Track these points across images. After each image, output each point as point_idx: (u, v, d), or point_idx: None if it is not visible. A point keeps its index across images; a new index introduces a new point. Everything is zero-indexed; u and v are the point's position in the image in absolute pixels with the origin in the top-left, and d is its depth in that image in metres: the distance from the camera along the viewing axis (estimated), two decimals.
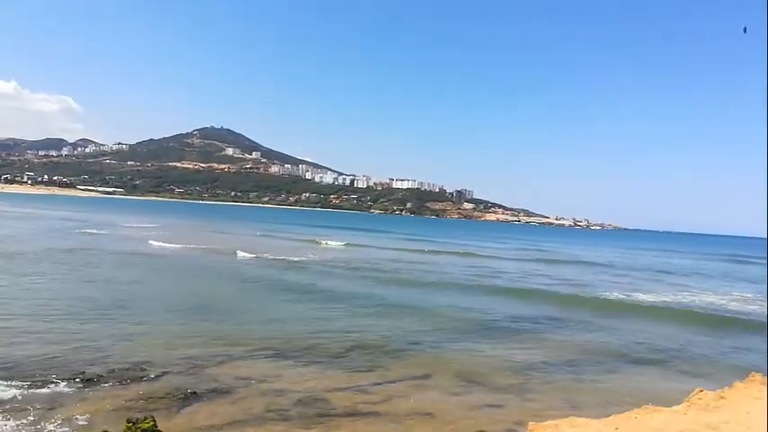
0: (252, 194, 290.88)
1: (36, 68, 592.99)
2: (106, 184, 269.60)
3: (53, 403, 8.68)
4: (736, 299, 29.52)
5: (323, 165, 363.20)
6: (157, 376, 10.31)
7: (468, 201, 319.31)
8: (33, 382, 9.48)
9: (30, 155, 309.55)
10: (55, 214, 69.87)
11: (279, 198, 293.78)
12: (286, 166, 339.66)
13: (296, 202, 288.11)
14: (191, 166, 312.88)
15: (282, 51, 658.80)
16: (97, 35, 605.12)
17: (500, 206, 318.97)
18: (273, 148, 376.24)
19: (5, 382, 9.32)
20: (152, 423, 7.58)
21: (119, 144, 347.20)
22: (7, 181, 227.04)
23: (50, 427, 7.85)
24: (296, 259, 34.59)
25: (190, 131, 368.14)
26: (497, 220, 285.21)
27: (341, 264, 33.84)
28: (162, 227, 58.07)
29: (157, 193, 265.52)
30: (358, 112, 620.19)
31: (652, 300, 26.35)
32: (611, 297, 26.21)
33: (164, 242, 38.90)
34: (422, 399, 10.18)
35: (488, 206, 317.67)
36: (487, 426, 8.88)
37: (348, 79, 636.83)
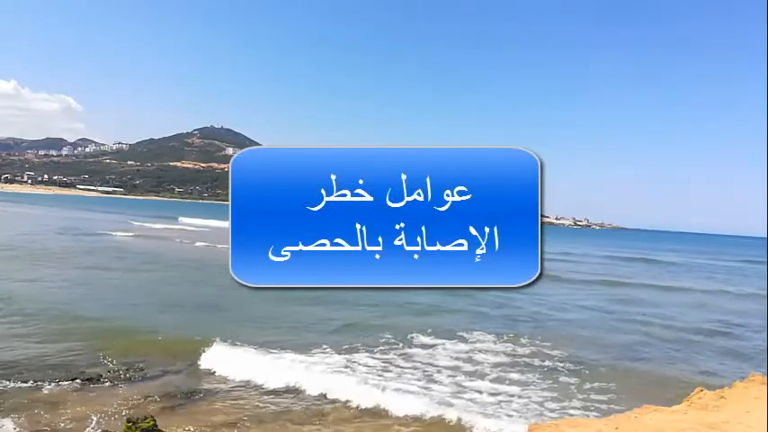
0: None
1: (36, 68, 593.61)
2: (106, 183, 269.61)
3: (53, 403, 8.68)
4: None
5: None
6: (158, 375, 10.31)
7: None
8: (33, 381, 9.49)
9: (30, 154, 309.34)
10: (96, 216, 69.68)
11: None
12: None
13: None
14: (191, 165, 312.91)
15: (283, 51, 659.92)
16: (98, 35, 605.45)
17: None
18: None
19: (5, 382, 9.32)
20: (152, 423, 7.60)
21: (119, 144, 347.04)
22: (7, 180, 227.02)
23: (50, 427, 7.85)
24: None
25: (190, 131, 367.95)
26: None
27: None
28: None
29: (157, 192, 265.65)
30: (359, 112, 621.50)
31: None
32: None
33: None
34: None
35: None
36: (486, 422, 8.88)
37: (349, 80, 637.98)
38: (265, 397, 9.81)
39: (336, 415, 9.11)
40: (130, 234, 41.96)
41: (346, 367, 11.55)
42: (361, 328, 15.28)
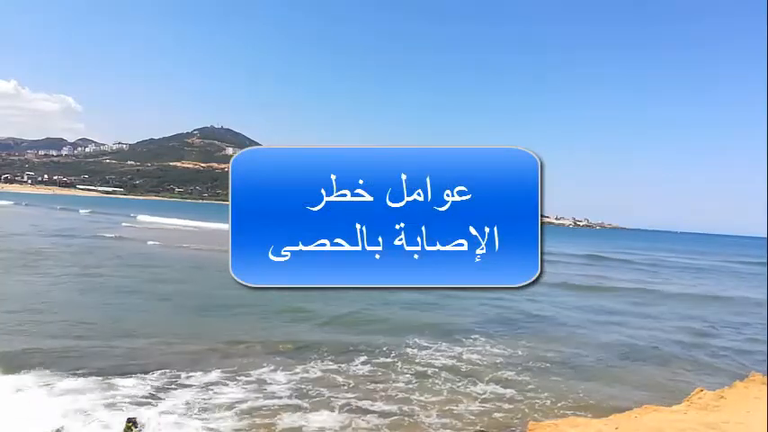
0: None
1: (36, 68, 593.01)
2: (106, 183, 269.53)
3: (52, 402, 8.67)
4: None
5: None
6: (158, 375, 10.28)
7: None
8: (32, 380, 9.49)
9: (30, 154, 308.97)
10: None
11: None
12: None
13: None
14: (191, 165, 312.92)
15: (283, 51, 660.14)
16: (98, 35, 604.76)
17: None
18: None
19: (4, 379, 9.32)
20: None
21: (119, 144, 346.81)
22: (7, 180, 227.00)
23: (49, 425, 7.84)
24: None
25: (190, 131, 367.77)
26: None
27: None
28: None
29: (157, 192, 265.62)
30: (359, 112, 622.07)
31: None
32: None
33: None
34: (419, 395, 10.16)
35: None
36: (486, 424, 8.88)
37: (349, 80, 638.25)
38: None
39: None
40: (90, 235, 40.93)
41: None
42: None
